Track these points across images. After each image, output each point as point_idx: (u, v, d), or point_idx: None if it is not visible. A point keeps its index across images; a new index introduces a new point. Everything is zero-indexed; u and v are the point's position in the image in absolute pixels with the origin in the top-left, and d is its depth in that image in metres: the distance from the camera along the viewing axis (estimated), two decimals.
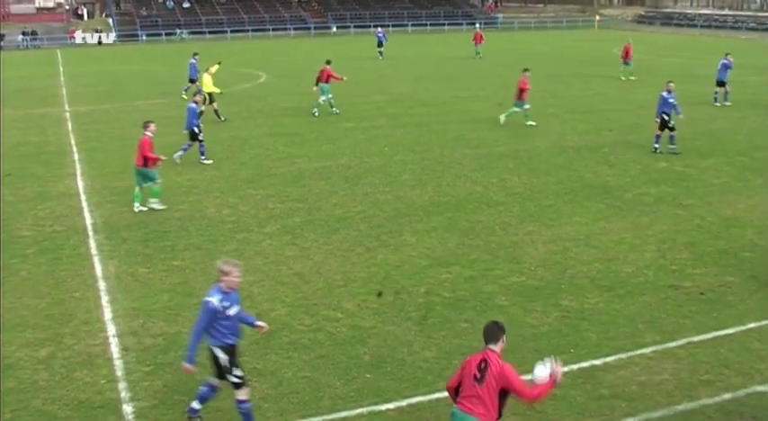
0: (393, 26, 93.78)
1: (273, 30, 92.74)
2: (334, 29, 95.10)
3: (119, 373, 11.95)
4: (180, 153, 25.56)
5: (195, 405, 10.60)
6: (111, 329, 13.47)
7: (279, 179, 23.38)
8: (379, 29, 67.86)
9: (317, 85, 34.49)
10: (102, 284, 15.49)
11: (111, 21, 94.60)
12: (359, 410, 10.91)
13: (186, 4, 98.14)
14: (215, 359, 10.21)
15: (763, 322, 13.64)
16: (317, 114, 34.42)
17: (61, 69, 58.00)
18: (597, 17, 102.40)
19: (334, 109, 34.89)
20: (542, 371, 8.75)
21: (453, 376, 9.24)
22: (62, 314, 14.10)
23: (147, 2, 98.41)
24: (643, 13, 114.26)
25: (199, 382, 11.45)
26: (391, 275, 15.78)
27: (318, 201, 20.99)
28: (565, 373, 11.78)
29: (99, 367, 12.15)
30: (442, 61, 58.99)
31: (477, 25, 75.42)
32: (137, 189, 20.52)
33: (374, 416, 10.81)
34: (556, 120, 32.73)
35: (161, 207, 20.47)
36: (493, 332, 9.15)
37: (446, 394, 10.03)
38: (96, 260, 16.86)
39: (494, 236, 18.18)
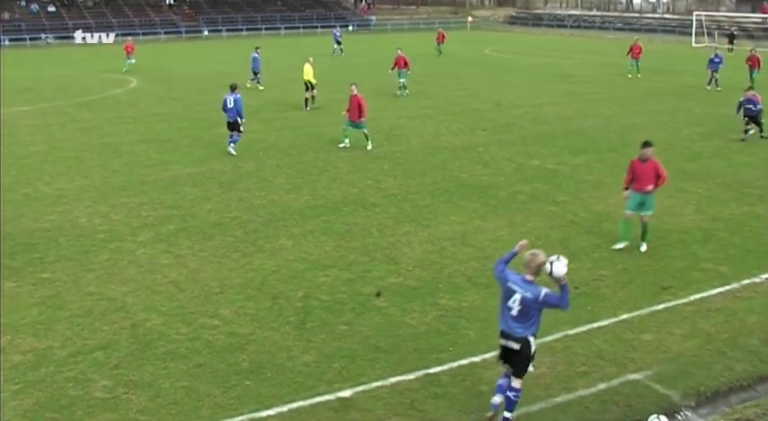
0: (266, 29, 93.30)
1: (143, 34, 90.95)
2: (206, 33, 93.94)
3: None
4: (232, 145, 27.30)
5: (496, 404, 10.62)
6: None
7: (152, 186, 22.92)
8: (337, 29, 70.97)
9: (393, 68, 42.16)
10: None
11: None
12: (239, 418, 10.77)
13: (51, 8, 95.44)
14: (526, 349, 10.28)
15: (635, 313, 14.11)
16: (402, 94, 40.97)
17: None
18: (469, 18, 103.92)
19: (406, 91, 41.19)
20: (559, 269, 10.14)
21: (627, 177, 17.34)
22: None
23: (9, 5, 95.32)
24: (514, 14, 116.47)
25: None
26: (268, 280, 15.65)
27: (193, 208, 20.66)
28: (444, 371, 12.00)
29: None
30: (315, 63, 58.69)
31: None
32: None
33: None
34: (431, 121, 33.07)
35: (371, 147, 27.48)
36: (647, 144, 17.10)
37: (326, 398, 11.16)
38: None
39: (370, 237, 18.23)
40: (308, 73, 36.99)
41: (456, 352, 12.63)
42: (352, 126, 27.53)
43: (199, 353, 12.63)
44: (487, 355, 12.43)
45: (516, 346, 10.27)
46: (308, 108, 36.62)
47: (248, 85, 42.99)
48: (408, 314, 14.09)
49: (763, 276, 15.91)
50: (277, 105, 37.90)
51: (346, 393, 11.37)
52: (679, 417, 10.95)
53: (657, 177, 17.05)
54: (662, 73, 49.84)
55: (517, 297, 10.17)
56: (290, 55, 64.13)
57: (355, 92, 27.22)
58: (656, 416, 10.22)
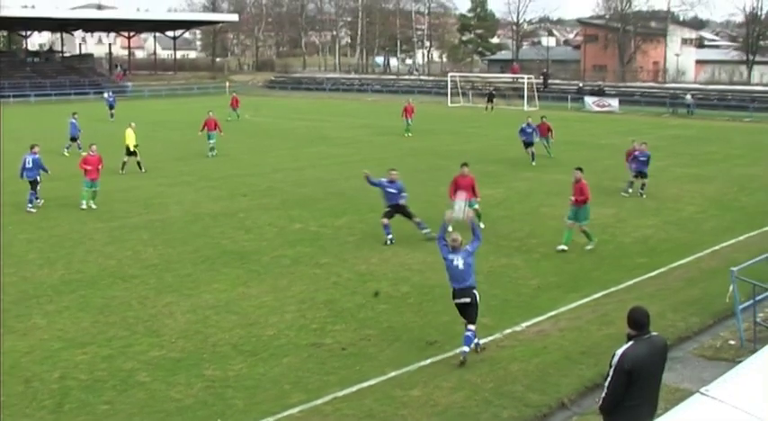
0: (14, 97, 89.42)
1: None
2: None
3: None
4: (30, 205, 28.01)
5: (466, 348, 14.42)
6: None
7: None
8: (109, 93, 69.33)
9: (202, 130, 42.61)
10: None
11: None
12: None
13: None
14: (474, 300, 14.46)
15: (403, 370, 14.30)
16: (212, 155, 41.73)
17: None
18: (228, 83, 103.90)
19: (214, 152, 41.94)
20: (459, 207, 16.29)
21: (450, 189, 22.53)
22: None
23: None
24: (273, 78, 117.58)
25: None
26: (20, 363, 14.70)
27: None
28: None
29: None
30: (89, 130, 56.71)
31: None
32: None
33: None
34: (190, 188, 32.57)
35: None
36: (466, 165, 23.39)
37: None
38: None
39: (131, 310, 17.57)
40: (130, 138, 36.81)
41: None
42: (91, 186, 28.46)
43: None
44: None
45: (468, 300, 14.28)
46: (124, 171, 36.21)
47: (66, 154, 42.49)
48: (173, 387, 13.64)
49: (524, 324, 16.58)
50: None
51: None
52: None
53: (472, 192, 22.94)
54: (421, 133, 51.41)
55: (458, 261, 14.30)
56: (46, 122, 61.81)
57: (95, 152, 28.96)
58: None
